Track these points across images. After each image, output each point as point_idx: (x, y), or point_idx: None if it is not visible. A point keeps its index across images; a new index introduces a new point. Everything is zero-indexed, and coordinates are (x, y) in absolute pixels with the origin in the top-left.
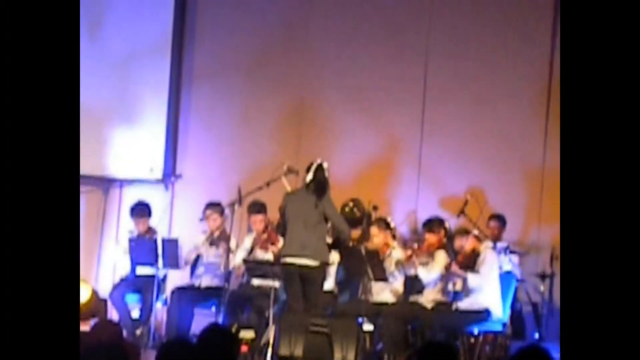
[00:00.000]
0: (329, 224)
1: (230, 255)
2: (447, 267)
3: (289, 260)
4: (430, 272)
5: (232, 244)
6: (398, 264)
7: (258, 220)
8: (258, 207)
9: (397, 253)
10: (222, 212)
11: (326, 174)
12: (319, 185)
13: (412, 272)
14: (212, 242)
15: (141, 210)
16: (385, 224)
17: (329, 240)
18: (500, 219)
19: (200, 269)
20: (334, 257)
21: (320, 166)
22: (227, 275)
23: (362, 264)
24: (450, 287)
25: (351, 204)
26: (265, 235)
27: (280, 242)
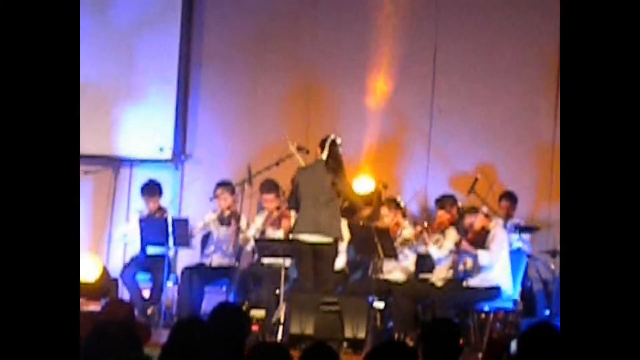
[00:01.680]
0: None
1: (241, 234)
2: (458, 245)
3: (301, 237)
4: (441, 250)
5: (243, 223)
6: (407, 242)
7: (270, 199)
8: (270, 186)
9: (407, 232)
10: (232, 191)
11: (340, 149)
12: (336, 161)
13: (422, 249)
14: (223, 221)
15: (152, 189)
16: (395, 204)
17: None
18: (511, 197)
19: (210, 248)
20: (345, 234)
21: (334, 142)
22: (238, 254)
23: (372, 243)
24: (460, 267)
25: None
26: (276, 214)
27: (292, 219)
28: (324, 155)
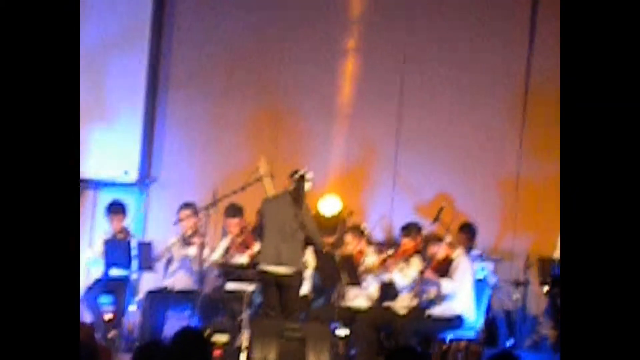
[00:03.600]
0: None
1: (206, 253)
2: (422, 273)
3: (265, 268)
4: (404, 278)
5: (206, 245)
6: (371, 270)
7: (234, 223)
8: (234, 211)
9: (371, 259)
10: (196, 213)
11: (306, 185)
12: (297, 195)
13: (386, 277)
14: (186, 241)
15: (117, 208)
16: (359, 231)
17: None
18: (469, 230)
19: (172, 266)
20: (310, 261)
21: (302, 177)
22: (201, 278)
23: (336, 270)
24: (424, 296)
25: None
26: (240, 239)
27: (256, 246)
28: (291, 187)
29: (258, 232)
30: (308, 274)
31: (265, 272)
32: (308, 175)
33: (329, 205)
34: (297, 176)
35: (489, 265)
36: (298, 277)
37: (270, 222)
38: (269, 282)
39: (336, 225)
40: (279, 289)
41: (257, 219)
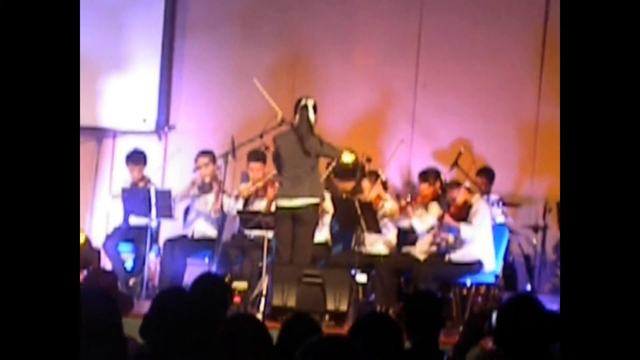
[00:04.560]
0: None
1: (224, 200)
2: (441, 219)
3: (282, 203)
4: (424, 223)
5: (224, 191)
6: (390, 215)
7: (257, 167)
8: (258, 155)
9: (389, 205)
10: (214, 160)
11: (310, 113)
12: (303, 125)
13: (405, 223)
14: (204, 188)
15: (137, 157)
16: (376, 177)
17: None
18: (488, 174)
19: (192, 214)
20: (329, 206)
21: (304, 107)
22: (221, 226)
23: (355, 216)
24: (443, 242)
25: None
26: (261, 183)
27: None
28: (296, 121)
29: (277, 164)
30: (327, 220)
31: (280, 209)
32: (310, 103)
33: (345, 161)
34: (298, 107)
35: (508, 210)
36: (314, 211)
37: (285, 158)
38: (283, 218)
39: (354, 172)
40: (293, 225)
41: (274, 153)
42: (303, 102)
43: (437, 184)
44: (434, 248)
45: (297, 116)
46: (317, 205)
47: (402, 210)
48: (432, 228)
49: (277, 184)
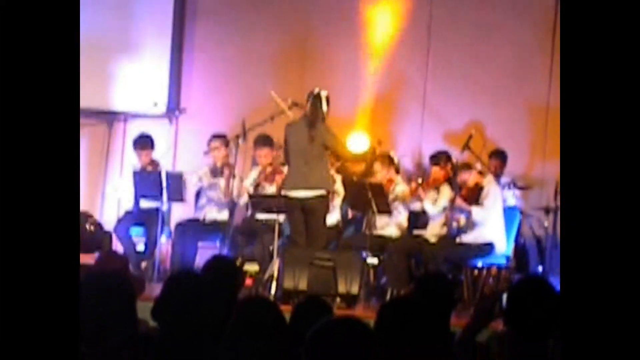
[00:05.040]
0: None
1: (235, 184)
2: (452, 201)
3: (290, 193)
4: (435, 206)
5: (236, 176)
6: (402, 198)
7: (264, 154)
8: (264, 141)
9: (400, 188)
10: (226, 144)
11: (323, 104)
12: (314, 115)
13: (416, 206)
14: (215, 172)
15: (144, 142)
16: (388, 160)
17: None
18: (500, 156)
19: (203, 200)
20: (339, 190)
21: (316, 95)
22: (232, 209)
23: (366, 199)
24: (454, 223)
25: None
26: (270, 169)
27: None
28: (307, 110)
29: (285, 158)
30: (337, 202)
31: (290, 198)
32: (323, 94)
33: (355, 143)
34: (311, 98)
35: (519, 192)
36: (323, 200)
37: (292, 147)
38: (294, 207)
39: (365, 154)
40: (304, 215)
41: (283, 146)
42: (316, 92)
43: (448, 167)
44: (445, 230)
45: (309, 105)
46: (325, 196)
47: (413, 192)
48: (443, 210)
49: (284, 171)
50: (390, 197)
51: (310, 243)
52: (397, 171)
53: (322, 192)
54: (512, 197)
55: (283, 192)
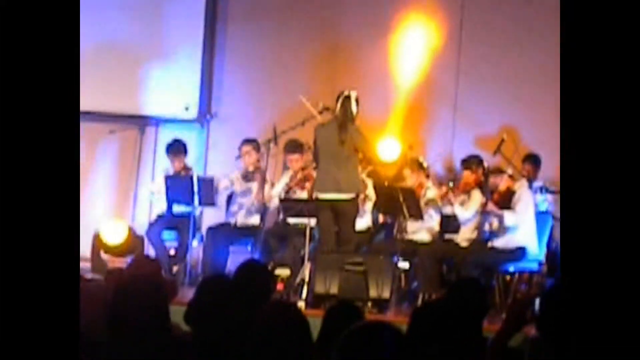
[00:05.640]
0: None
1: (266, 189)
2: (484, 206)
3: (320, 195)
4: (466, 211)
5: (267, 181)
6: (433, 202)
7: (295, 159)
8: (295, 146)
9: (431, 192)
10: (258, 149)
11: (353, 105)
12: (345, 117)
13: (447, 210)
14: (247, 177)
15: (177, 147)
16: (418, 165)
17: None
18: (534, 160)
19: (235, 206)
20: (371, 194)
21: (347, 97)
22: (263, 213)
23: (397, 203)
24: (487, 227)
25: None
26: (301, 174)
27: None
28: (336, 112)
29: (315, 160)
30: (369, 207)
31: (320, 201)
32: (353, 95)
33: (387, 148)
34: (341, 99)
35: (551, 197)
36: (354, 203)
37: (323, 149)
38: (324, 210)
39: (396, 160)
40: (334, 217)
41: (313, 148)
42: (346, 93)
43: (480, 171)
44: (476, 234)
45: (339, 107)
46: (355, 198)
47: (444, 196)
48: (475, 215)
49: (314, 174)
50: (422, 201)
51: (340, 246)
52: (428, 176)
53: (352, 194)
54: (544, 202)
55: (314, 195)
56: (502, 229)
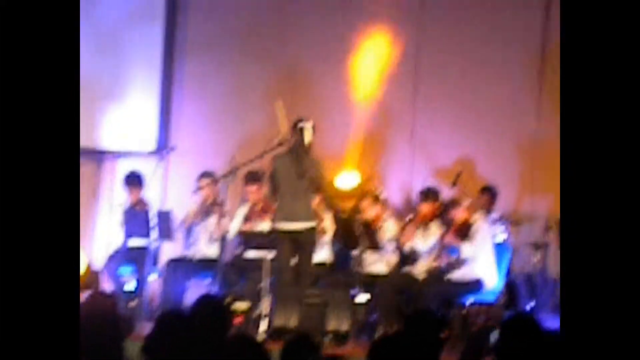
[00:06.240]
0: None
1: (225, 222)
2: (442, 238)
3: (279, 226)
4: (424, 243)
5: (225, 214)
6: (389, 236)
7: (253, 190)
8: (254, 177)
9: (389, 224)
10: (215, 181)
11: (307, 136)
12: (299, 149)
13: (407, 248)
14: (206, 210)
15: (133, 179)
16: (375, 198)
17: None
18: (491, 192)
19: (193, 238)
20: (328, 227)
21: (301, 129)
22: (222, 246)
23: (355, 235)
24: (444, 261)
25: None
26: (260, 206)
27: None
28: (291, 143)
29: (272, 187)
30: (327, 239)
31: (279, 231)
32: (308, 126)
33: (346, 180)
34: (296, 129)
35: (508, 228)
36: (313, 234)
37: (281, 179)
38: (283, 241)
39: (354, 191)
40: (293, 248)
41: (269, 177)
42: (300, 125)
43: (437, 203)
44: (435, 267)
45: (293, 138)
46: (314, 228)
47: (403, 230)
48: (433, 247)
49: (274, 206)
50: (380, 234)
51: (298, 277)
52: (385, 208)
53: (311, 224)
54: (502, 233)
55: (273, 226)
56: (460, 261)
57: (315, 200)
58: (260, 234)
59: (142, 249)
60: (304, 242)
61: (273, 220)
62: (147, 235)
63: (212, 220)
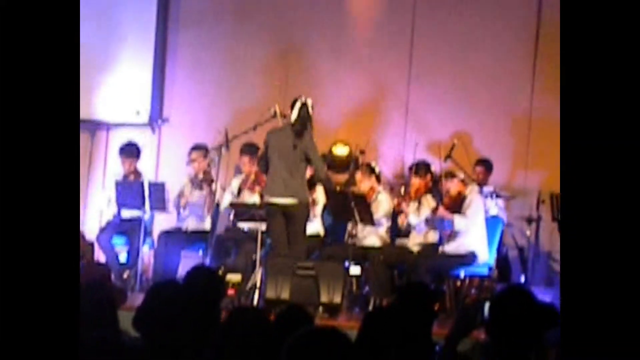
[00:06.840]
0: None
1: (217, 194)
2: (434, 211)
3: (271, 200)
4: (417, 216)
5: (217, 186)
6: (382, 210)
7: (246, 161)
8: (249, 149)
9: (383, 197)
10: (207, 154)
11: (310, 111)
12: (301, 124)
13: (400, 221)
14: (196, 184)
15: (130, 150)
16: (370, 169)
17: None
18: (486, 164)
19: (185, 211)
20: (320, 197)
21: (303, 104)
22: (214, 218)
23: (349, 208)
24: (437, 234)
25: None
26: (253, 177)
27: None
28: (293, 118)
29: (263, 165)
30: (318, 211)
31: (271, 205)
32: (309, 102)
33: (339, 153)
34: (298, 105)
35: (501, 202)
36: (304, 208)
37: (275, 154)
38: (275, 213)
39: (348, 164)
40: (285, 222)
41: (261, 151)
42: (303, 100)
43: (428, 177)
44: (427, 240)
45: (295, 113)
46: (307, 202)
47: (397, 207)
48: (426, 220)
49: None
50: (373, 206)
51: (291, 250)
52: (379, 180)
53: (303, 199)
54: (495, 207)
55: (265, 199)
56: (453, 234)
57: (308, 173)
58: (253, 206)
59: (135, 220)
60: (296, 216)
61: (264, 194)
62: (140, 206)
63: (204, 192)
